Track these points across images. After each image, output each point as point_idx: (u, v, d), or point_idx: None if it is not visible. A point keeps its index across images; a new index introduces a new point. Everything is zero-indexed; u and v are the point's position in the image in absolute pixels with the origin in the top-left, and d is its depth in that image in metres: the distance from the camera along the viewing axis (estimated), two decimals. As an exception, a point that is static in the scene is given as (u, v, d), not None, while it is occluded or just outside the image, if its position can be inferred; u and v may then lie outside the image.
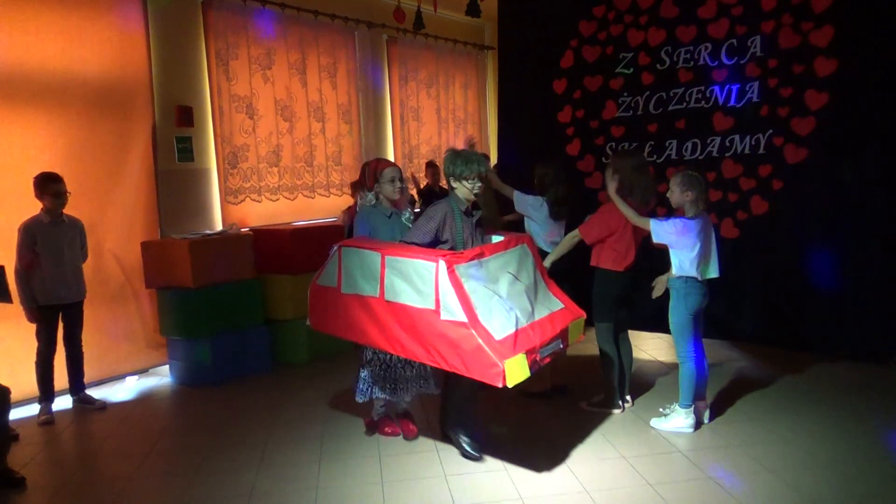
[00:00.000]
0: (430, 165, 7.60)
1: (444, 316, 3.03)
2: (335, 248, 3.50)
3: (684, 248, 3.74)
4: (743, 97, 5.11)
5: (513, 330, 3.04)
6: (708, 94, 5.25)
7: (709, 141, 5.25)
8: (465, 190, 3.51)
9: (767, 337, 5.16)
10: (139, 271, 5.43)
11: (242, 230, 5.96)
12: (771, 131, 4.97)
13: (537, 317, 3.28)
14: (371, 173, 3.72)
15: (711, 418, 4.02)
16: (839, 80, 4.66)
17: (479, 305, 3.05)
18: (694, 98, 5.33)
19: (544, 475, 3.44)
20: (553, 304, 3.51)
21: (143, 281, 5.42)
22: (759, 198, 5.02)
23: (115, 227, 5.37)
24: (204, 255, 5.20)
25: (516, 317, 3.11)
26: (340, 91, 7.16)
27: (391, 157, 7.86)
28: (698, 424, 3.92)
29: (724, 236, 5.08)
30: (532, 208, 4.49)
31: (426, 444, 3.88)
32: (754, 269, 5.09)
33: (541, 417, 4.23)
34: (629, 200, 3.96)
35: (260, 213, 6.39)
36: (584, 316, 3.60)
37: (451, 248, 3.45)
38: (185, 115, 5.80)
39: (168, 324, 5.36)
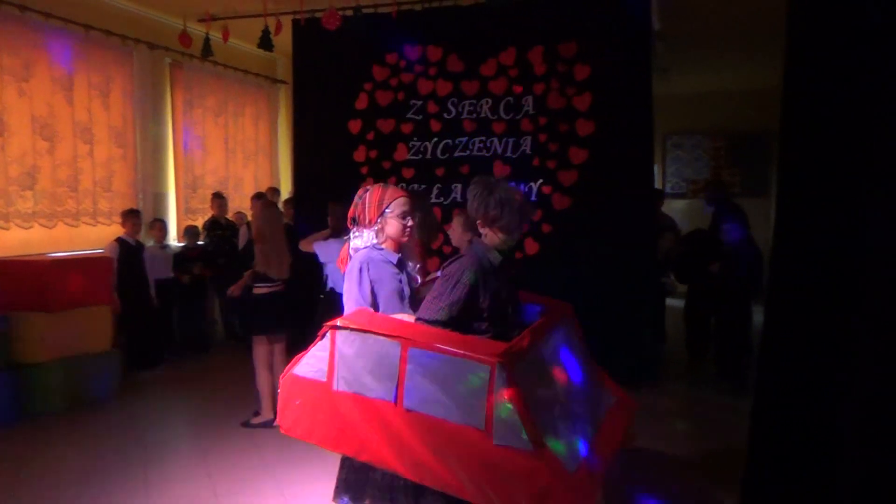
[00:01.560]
0: (217, 197, 7.26)
1: (498, 440, 2.14)
2: (327, 329, 2.48)
3: None
4: (518, 149, 5.65)
5: (584, 452, 2.27)
6: (488, 144, 5.72)
7: (489, 187, 5.69)
8: (497, 240, 2.50)
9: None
10: None
11: (-17, 261, 5.13)
12: (541, 181, 5.54)
13: (599, 419, 2.47)
14: (374, 203, 2.67)
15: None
16: (596, 139, 5.36)
17: (542, 419, 2.21)
18: (476, 147, 5.76)
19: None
20: (606, 395, 2.63)
21: None
22: (532, 239, 5.54)
23: None
24: (-70, 288, 4.37)
25: (583, 428, 2.33)
26: (114, 112, 6.57)
27: (171, 187, 7.35)
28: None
29: (503, 274, 5.50)
30: (337, 251, 4.51)
31: (197, 470, 3.60)
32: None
33: (268, 450, 4.19)
34: (416, 239, 4.16)
35: (8, 242, 5.55)
36: (637, 407, 2.89)
37: (486, 327, 2.47)
38: (-88, 124, 4.91)
39: None
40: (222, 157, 8.02)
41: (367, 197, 2.70)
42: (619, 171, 5.33)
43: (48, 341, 4.96)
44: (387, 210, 2.66)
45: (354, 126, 6.11)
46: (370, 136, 6.07)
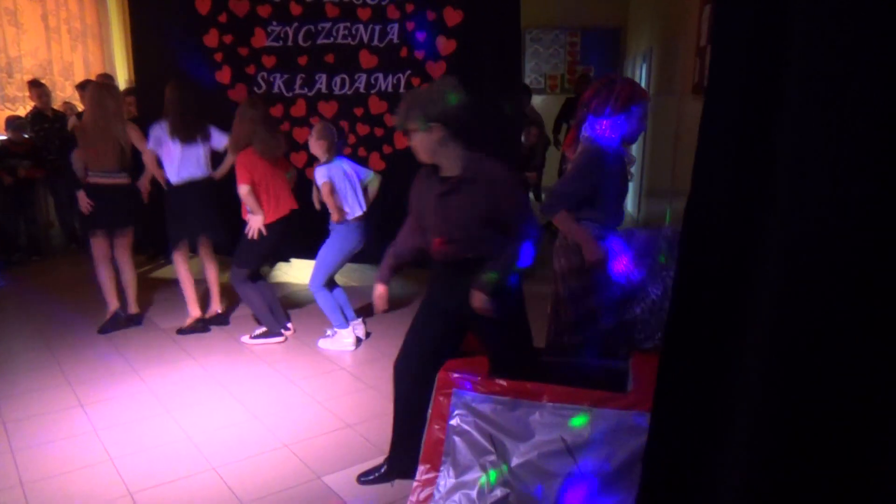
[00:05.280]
0: (35, 85, 6.33)
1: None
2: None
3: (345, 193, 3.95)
4: (384, 38, 5.43)
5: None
6: (354, 31, 5.43)
7: (356, 77, 5.47)
8: None
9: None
10: None
11: None
12: (409, 72, 5.40)
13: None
14: (624, 97, 2.59)
15: (367, 335, 4.36)
16: (465, 29, 5.27)
17: (453, 463, 2.32)
18: (341, 34, 5.45)
19: (211, 411, 3.32)
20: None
21: None
22: (402, 133, 5.45)
23: None
24: None
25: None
26: None
27: (-18, 70, 6.33)
28: (358, 341, 4.21)
29: (373, 168, 5.41)
30: (163, 142, 4.13)
31: (55, 381, 3.39)
32: (397, 199, 5.54)
33: (200, 354, 4.04)
34: (253, 148, 3.93)
35: None
36: None
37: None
38: None
39: None
40: (42, 37, 6.99)
41: (618, 87, 2.61)
42: (487, 64, 5.31)
43: None
44: (634, 108, 2.60)
45: (202, 6, 5.52)
46: (222, 17, 5.52)
